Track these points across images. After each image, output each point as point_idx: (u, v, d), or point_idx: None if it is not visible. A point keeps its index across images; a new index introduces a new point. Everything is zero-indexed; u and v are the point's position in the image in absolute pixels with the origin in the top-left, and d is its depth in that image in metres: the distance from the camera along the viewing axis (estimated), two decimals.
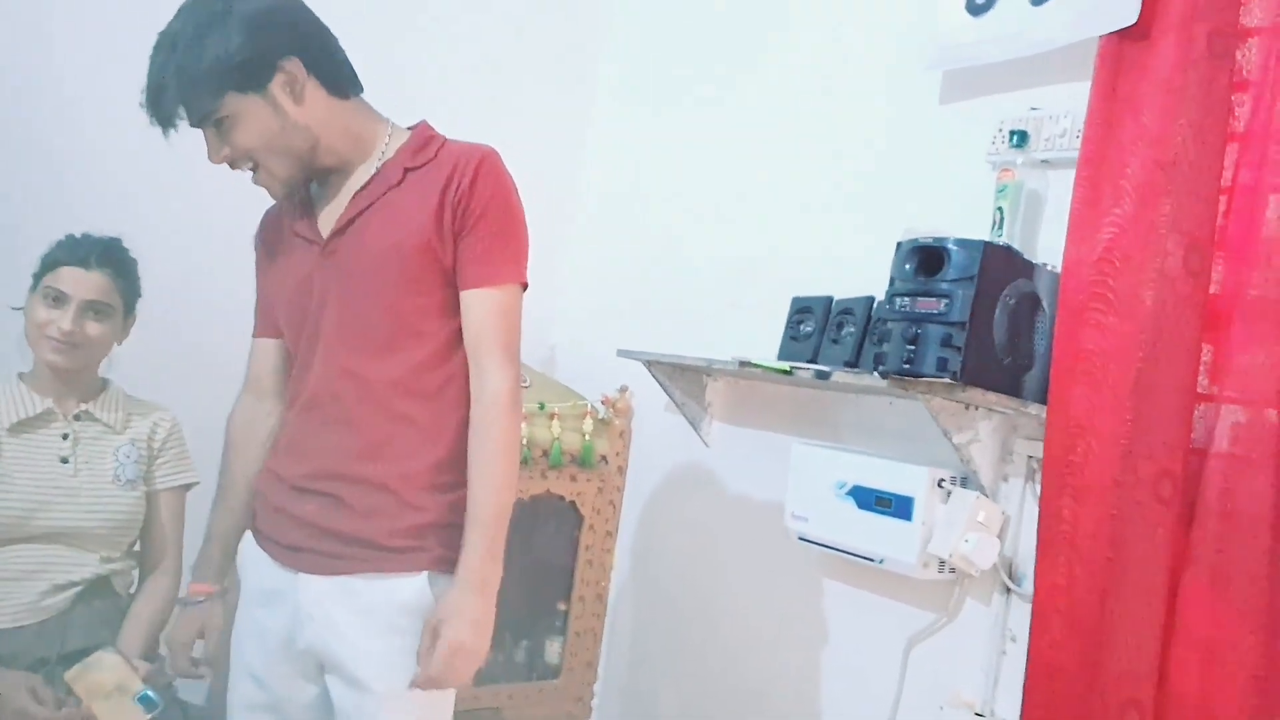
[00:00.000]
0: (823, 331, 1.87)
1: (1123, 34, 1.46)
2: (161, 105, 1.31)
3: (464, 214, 1.36)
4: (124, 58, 2.12)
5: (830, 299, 1.89)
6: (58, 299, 1.65)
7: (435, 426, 1.38)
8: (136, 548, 1.79)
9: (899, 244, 1.56)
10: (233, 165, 1.39)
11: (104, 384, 1.78)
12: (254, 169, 1.39)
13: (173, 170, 2.13)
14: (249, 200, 2.20)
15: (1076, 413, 1.43)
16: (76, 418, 1.72)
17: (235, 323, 2.20)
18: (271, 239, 1.52)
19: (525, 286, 1.41)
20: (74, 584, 1.66)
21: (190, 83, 1.29)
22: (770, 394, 2.12)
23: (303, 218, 1.46)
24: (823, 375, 1.69)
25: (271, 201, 1.51)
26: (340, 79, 1.41)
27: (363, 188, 1.41)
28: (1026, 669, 1.45)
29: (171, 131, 1.33)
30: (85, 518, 1.67)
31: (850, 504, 1.72)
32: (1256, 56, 1.37)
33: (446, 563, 1.36)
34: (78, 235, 1.71)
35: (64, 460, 1.68)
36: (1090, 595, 1.39)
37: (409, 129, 1.47)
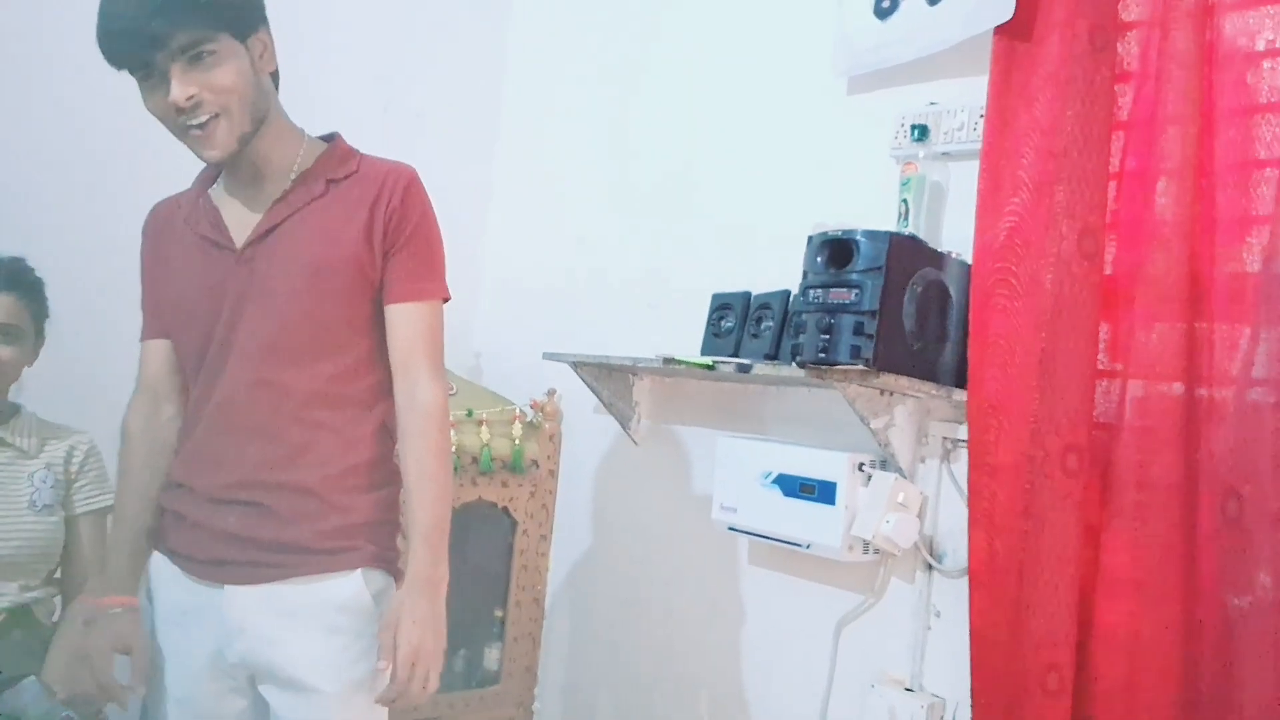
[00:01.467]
0: (743, 326, 1.91)
1: (1013, 32, 1.53)
2: (146, 29, 1.22)
3: (395, 231, 1.37)
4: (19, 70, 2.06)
5: (749, 294, 1.93)
6: None
7: (355, 433, 1.39)
8: (58, 575, 1.74)
9: (810, 238, 1.60)
10: (182, 113, 1.27)
11: (15, 408, 1.73)
12: (206, 121, 1.28)
13: (78, 184, 2.10)
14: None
15: (989, 393, 1.50)
16: None
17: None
18: (165, 239, 1.46)
19: (446, 298, 1.44)
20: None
21: (193, 6, 1.24)
22: (695, 390, 2.15)
23: (208, 221, 1.41)
24: (744, 368, 1.73)
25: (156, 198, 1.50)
26: (277, 69, 1.41)
27: (282, 197, 1.38)
28: (970, 641, 1.51)
29: (128, 71, 1.28)
30: (0, 546, 1.63)
31: (776, 492, 1.76)
32: (1136, 48, 1.45)
33: (380, 559, 1.38)
34: None
35: None
36: (1010, 566, 1.45)
37: (322, 139, 1.46)
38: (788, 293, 1.83)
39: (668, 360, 1.87)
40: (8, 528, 1.63)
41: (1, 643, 1.61)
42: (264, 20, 1.36)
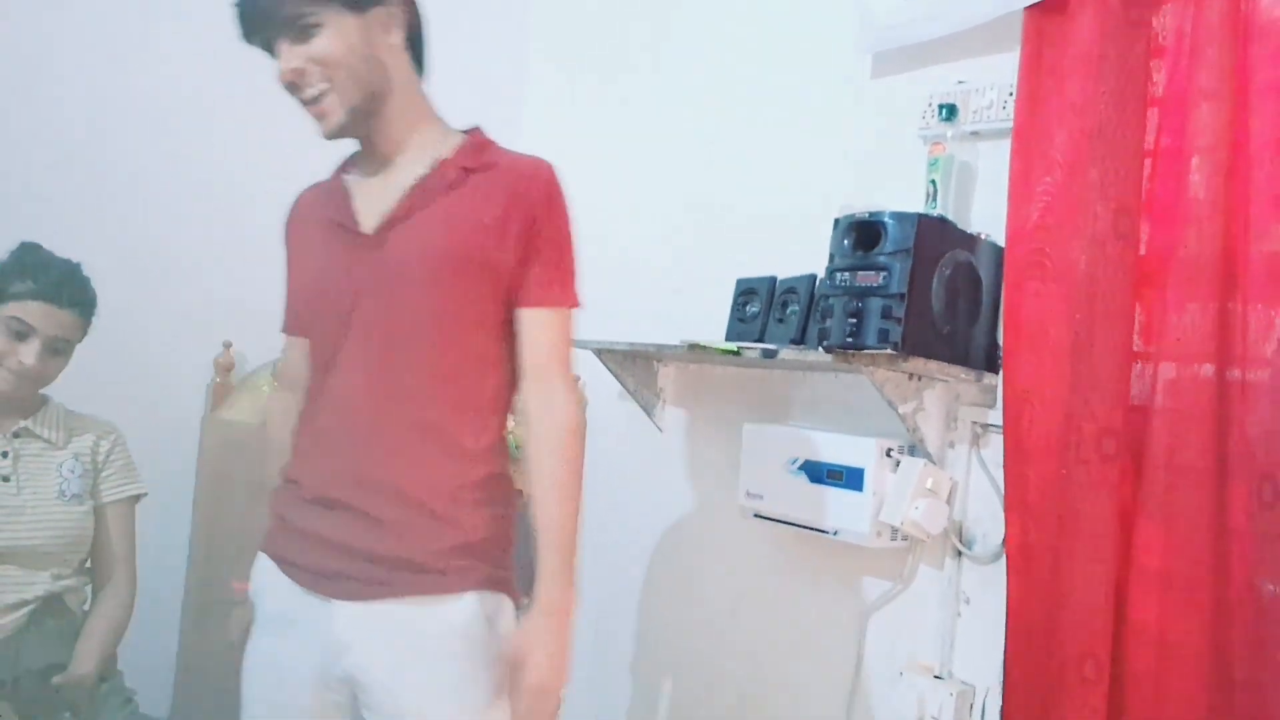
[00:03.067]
0: (768, 311, 1.90)
1: (1044, 8, 1.50)
2: (259, 3, 1.23)
3: (533, 231, 1.29)
4: (55, 69, 2.08)
5: (774, 279, 1.91)
6: (22, 333, 1.62)
7: (475, 443, 1.29)
8: (89, 564, 1.76)
9: (836, 220, 1.59)
10: (296, 88, 1.26)
11: (43, 400, 1.75)
12: (316, 95, 1.26)
13: (116, 181, 2.13)
14: (188, 215, 2.20)
15: (1022, 378, 1.48)
16: (16, 435, 1.69)
17: (175, 336, 2.20)
18: (301, 228, 1.41)
19: (579, 305, 1.36)
20: (26, 603, 1.62)
21: None
22: (720, 376, 2.14)
23: (336, 204, 1.34)
24: (770, 354, 1.71)
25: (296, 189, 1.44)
26: (420, 50, 1.35)
27: (415, 185, 1.30)
28: (1006, 628, 1.49)
29: (254, 43, 1.26)
30: (31, 535, 1.64)
31: (803, 479, 1.75)
32: (1171, 22, 1.42)
33: (496, 581, 1.29)
34: (37, 254, 1.67)
35: (5, 479, 1.65)
36: (1045, 553, 1.44)
37: (462, 131, 1.38)
38: (814, 276, 1.81)
39: (692, 346, 1.86)
40: (39, 517, 1.65)
41: (34, 631, 1.63)
42: None
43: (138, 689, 1.77)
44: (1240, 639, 1.29)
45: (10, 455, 1.67)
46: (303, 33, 1.23)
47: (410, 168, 1.32)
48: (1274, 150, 1.31)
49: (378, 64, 1.27)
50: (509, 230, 1.28)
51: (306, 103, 1.27)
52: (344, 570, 1.26)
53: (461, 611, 1.25)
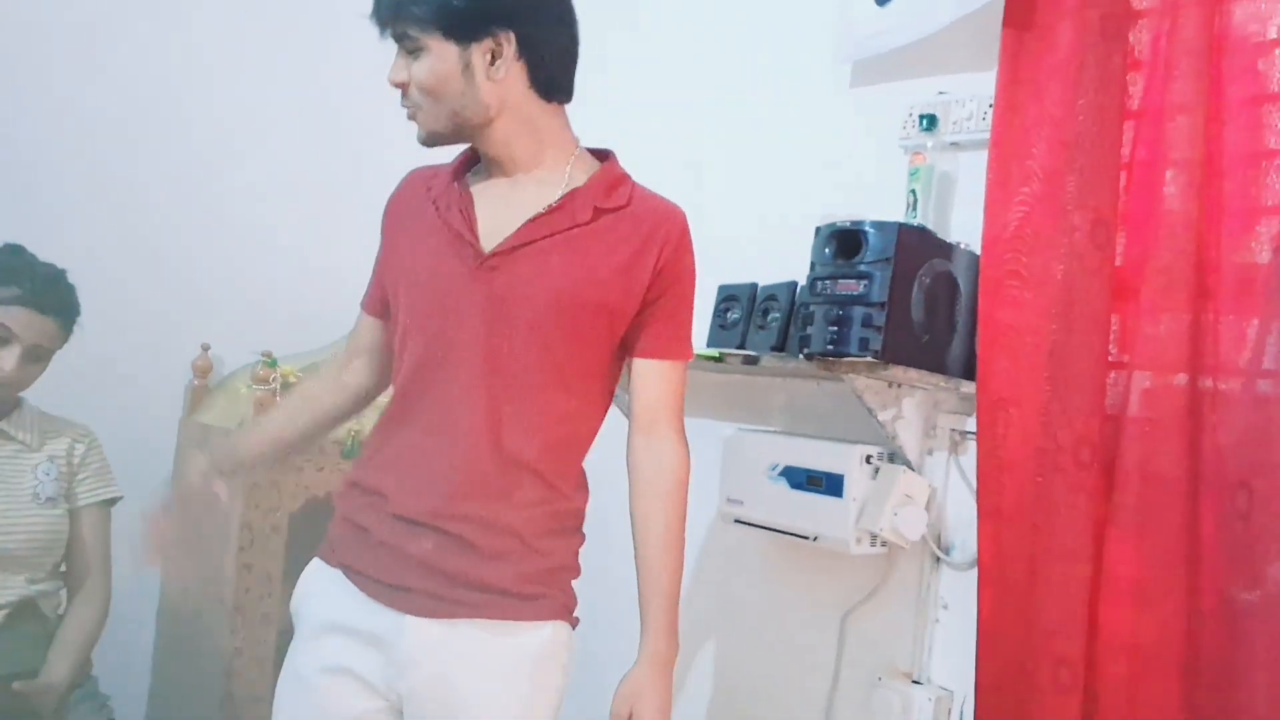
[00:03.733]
0: (749, 318, 1.90)
1: (1021, 20, 1.52)
2: (382, 9, 1.27)
3: (663, 282, 1.30)
4: (32, 72, 2.07)
5: (755, 286, 1.92)
6: (2, 338, 1.61)
7: (566, 477, 1.33)
8: (64, 569, 1.74)
9: (818, 229, 1.60)
10: (403, 93, 1.29)
11: (17, 402, 1.73)
12: (412, 111, 1.30)
13: (93, 183, 2.11)
14: (165, 216, 2.19)
15: (999, 386, 1.49)
16: None
17: (152, 338, 2.19)
18: (411, 212, 1.37)
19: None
20: (4, 605, 1.61)
21: (406, 3, 1.24)
22: (701, 382, 2.14)
23: (459, 209, 1.31)
24: (751, 360, 1.72)
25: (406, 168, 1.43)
26: (551, 77, 1.33)
27: (545, 213, 1.28)
28: (977, 635, 1.50)
29: (388, 35, 1.27)
30: (4, 539, 1.62)
31: (783, 485, 1.76)
32: (1147, 37, 1.44)
33: (568, 611, 1.33)
34: (20, 258, 1.65)
35: None
36: (1019, 561, 1.45)
37: (594, 153, 1.39)
38: (795, 284, 1.82)
39: None
40: (12, 521, 1.64)
41: (8, 635, 1.61)
42: (503, 24, 1.26)
43: (112, 694, 1.76)
44: (1212, 646, 1.30)
45: None
46: (411, 51, 1.25)
47: (538, 190, 1.30)
48: (1246, 163, 1.34)
49: (476, 100, 1.26)
50: (636, 278, 1.28)
51: (406, 108, 1.30)
52: (421, 585, 1.24)
53: (538, 639, 1.27)
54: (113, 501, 1.79)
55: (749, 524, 1.83)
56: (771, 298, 1.86)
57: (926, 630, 1.68)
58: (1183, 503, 1.33)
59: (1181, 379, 1.35)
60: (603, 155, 1.39)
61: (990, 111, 1.61)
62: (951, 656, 1.65)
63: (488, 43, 1.25)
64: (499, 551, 1.25)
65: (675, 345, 1.34)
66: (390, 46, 1.28)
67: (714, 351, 1.80)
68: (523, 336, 1.26)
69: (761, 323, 1.86)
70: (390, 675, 1.24)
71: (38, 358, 1.66)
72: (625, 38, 2.47)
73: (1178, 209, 1.36)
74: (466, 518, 1.25)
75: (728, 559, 2.04)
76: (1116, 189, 1.43)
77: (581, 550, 1.38)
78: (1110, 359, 1.43)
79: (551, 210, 1.28)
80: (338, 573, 1.30)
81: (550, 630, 1.28)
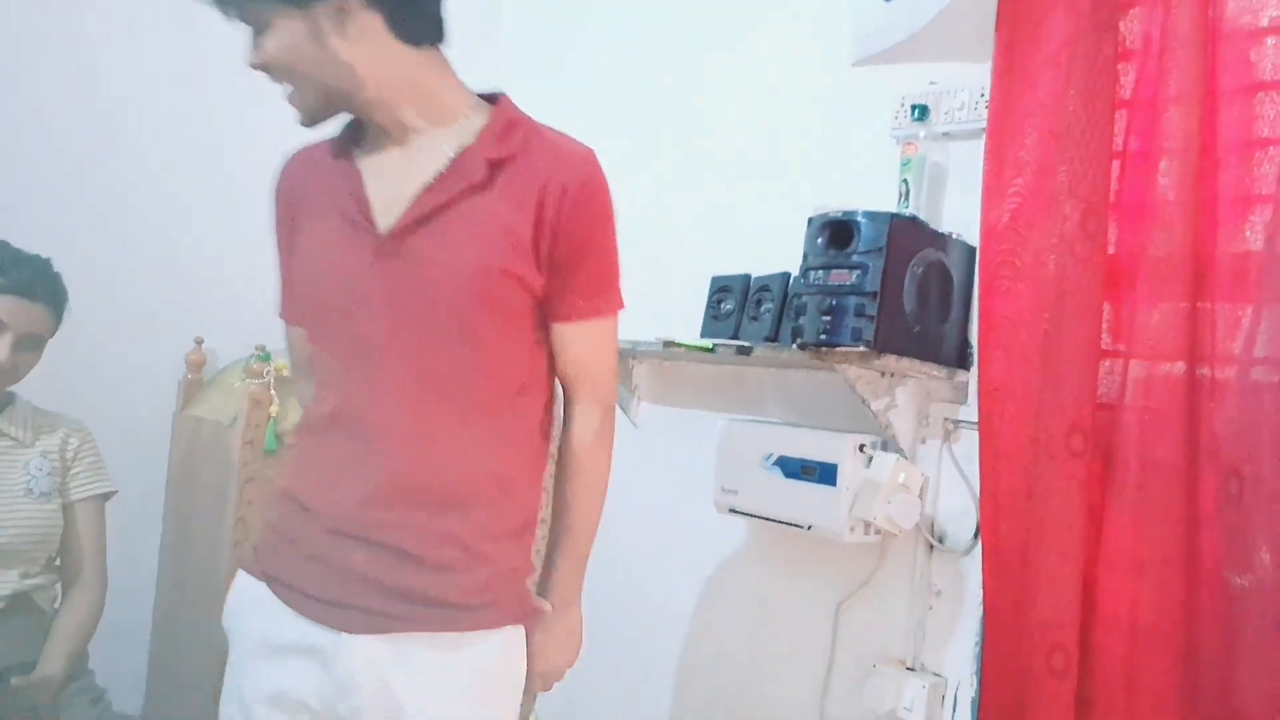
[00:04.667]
0: (742, 309, 1.91)
1: (1014, 10, 1.52)
2: None
3: (566, 240, 1.14)
4: (23, 67, 2.05)
5: (748, 277, 1.92)
6: None
7: (505, 471, 1.18)
8: (58, 563, 1.74)
9: (810, 219, 1.60)
10: (267, 73, 1.16)
11: (10, 398, 1.73)
12: (288, 93, 1.17)
13: (85, 176, 2.10)
14: (158, 210, 2.18)
15: (995, 375, 1.50)
16: None
17: (145, 332, 2.18)
18: (298, 204, 1.24)
19: (619, 311, 1.26)
20: None
21: None
22: (695, 373, 2.15)
23: (348, 192, 1.18)
24: (744, 351, 1.72)
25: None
26: (412, 20, 1.15)
27: (436, 181, 1.14)
28: (983, 622, 1.51)
29: (231, 12, 1.14)
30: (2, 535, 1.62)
31: (777, 474, 1.76)
32: (1138, 27, 1.44)
33: (520, 614, 1.21)
34: (5, 250, 1.64)
35: None
36: (1014, 548, 1.46)
37: (484, 98, 1.21)
38: (788, 275, 1.82)
39: (667, 343, 1.87)
40: (5, 515, 1.63)
41: (3, 630, 1.61)
42: None
43: (110, 687, 1.76)
44: (1210, 632, 1.31)
45: None
46: (258, 30, 1.13)
47: (431, 154, 1.16)
48: (1240, 152, 1.34)
49: (338, 66, 1.13)
50: (540, 242, 1.14)
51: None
52: (359, 602, 1.13)
53: (488, 650, 1.17)
54: (106, 496, 1.78)
55: (743, 514, 1.84)
56: (764, 288, 1.86)
57: (920, 618, 1.69)
58: (1177, 490, 1.34)
59: (1175, 367, 1.36)
60: (493, 99, 1.22)
61: (982, 101, 1.62)
62: (945, 643, 1.66)
63: (330, 6, 1.10)
64: (441, 562, 1.14)
65: (594, 304, 1.20)
66: None
67: (707, 342, 1.80)
68: (440, 324, 1.13)
69: (754, 313, 1.87)
70: (330, 696, 1.14)
71: (30, 346, 1.66)
72: (617, 27, 2.47)
73: (1172, 198, 1.37)
74: (400, 526, 1.13)
75: (722, 549, 2.05)
76: (1108, 178, 1.44)
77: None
78: (1104, 348, 1.44)
79: (444, 175, 1.15)
80: (264, 586, 1.19)
81: (501, 638, 1.17)
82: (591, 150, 1.20)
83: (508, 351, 1.18)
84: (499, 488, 1.18)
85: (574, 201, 1.14)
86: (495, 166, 1.14)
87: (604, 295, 1.22)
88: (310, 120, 1.19)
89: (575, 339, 1.21)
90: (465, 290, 1.13)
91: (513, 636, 1.20)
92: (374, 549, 1.13)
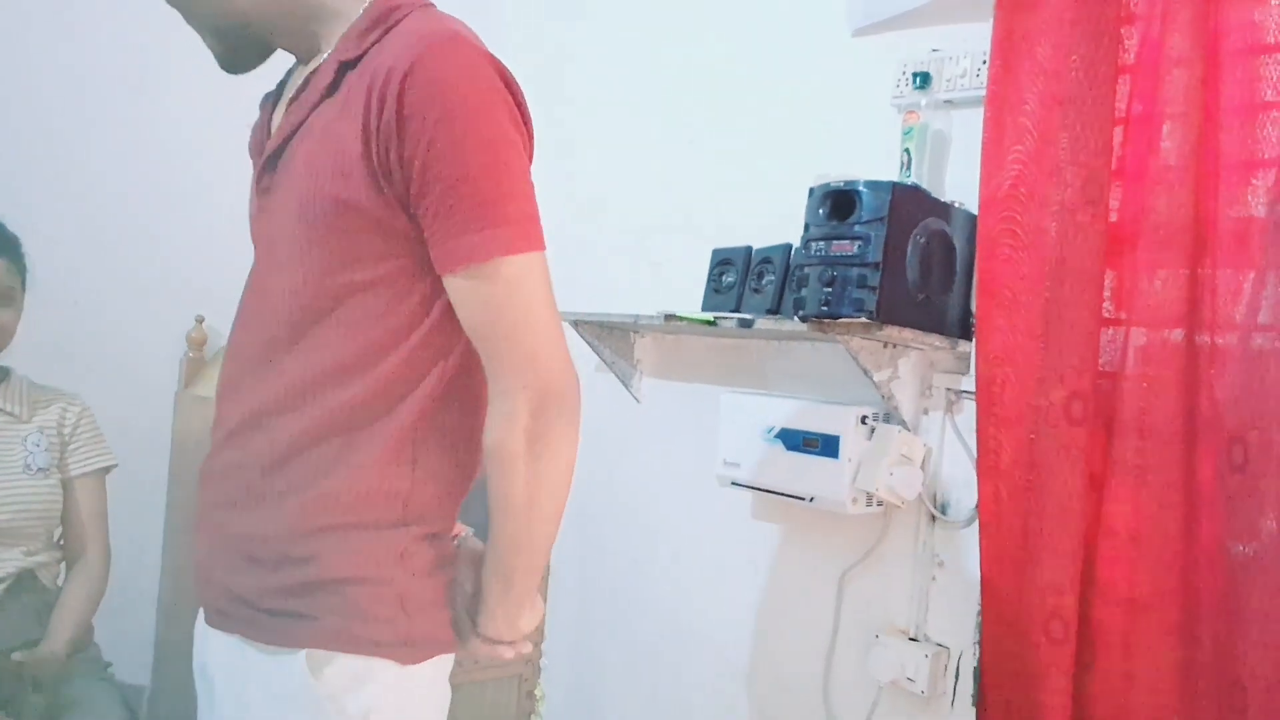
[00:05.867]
0: (744, 282, 1.90)
1: None
2: None
3: (400, 149, 0.88)
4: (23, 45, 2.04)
5: (749, 249, 1.92)
6: None
7: (343, 450, 0.95)
8: (61, 540, 1.75)
9: (811, 190, 1.59)
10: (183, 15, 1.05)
11: (5, 373, 1.72)
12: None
13: (84, 152, 2.09)
14: (158, 186, 2.17)
15: (995, 344, 1.49)
16: None
17: (146, 310, 2.18)
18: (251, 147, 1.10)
19: (538, 248, 0.92)
20: (4, 578, 1.62)
21: None
22: (697, 346, 2.14)
23: (260, 130, 1.07)
24: (746, 324, 1.72)
25: None
26: None
27: (294, 97, 0.98)
28: (980, 592, 1.51)
29: None
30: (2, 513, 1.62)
31: (779, 447, 1.76)
32: None
33: (343, 638, 0.93)
34: None
35: None
36: (1014, 516, 1.46)
37: None
38: (789, 246, 1.81)
39: (669, 317, 1.86)
40: (4, 492, 1.64)
41: (8, 607, 1.62)
42: None
43: (117, 659, 1.77)
44: (1209, 598, 1.31)
45: None
46: None
47: (315, 62, 1.00)
48: (1243, 116, 1.32)
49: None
50: (369, 147, 0.89)
51: None
52: (204, 594, 1.02)
53: (287, 672, 0.93)
54: (106, 470, 1.78)
55: (746, 486, 1.84)
56: (766, 260, 1.85)
57: (923, 588, 1.70)
58: (1179, 457, 1.34)
59: (1177, 334, 1.35)
60: None
61: (984, 68, 1.60)
62: (948, 613, 1.66)
63: None
64: (252, 553, 0.96)
65: (461, 243, 0.89)
66: None
67: (709, 316, 1.79)
68: (284, 273, 0.95)
69: (756, 285, 1.86)
70: (207, 696, 1.04)
71: (2, 301, 1.64)
72: (623, 3, 2.44)
73: (1174, 163, 1.35)
74: (223, 509, 1.00)
75: (725, 520, 2.05)
76: (1110, 144, 1.42)
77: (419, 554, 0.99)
78: (1106, 315, 1.43)
79: (300, 90, 0.98)
80: None
81: (304, 661, 0.92)
82: (445, 27, 0.91)
83: (358, 303, 0.94)
84: (328, 470, 0.94)
85: (401, 95, 0.86)
86: (347, 68, 0.94)
87: (479, 227, 0.88)
88: (227, 65, 1.05)
89: (459, 295, 0.92)
90: (296, 227, 0.93)
91: (339, 670, 0.93)
92: (207, 529, 1.02)
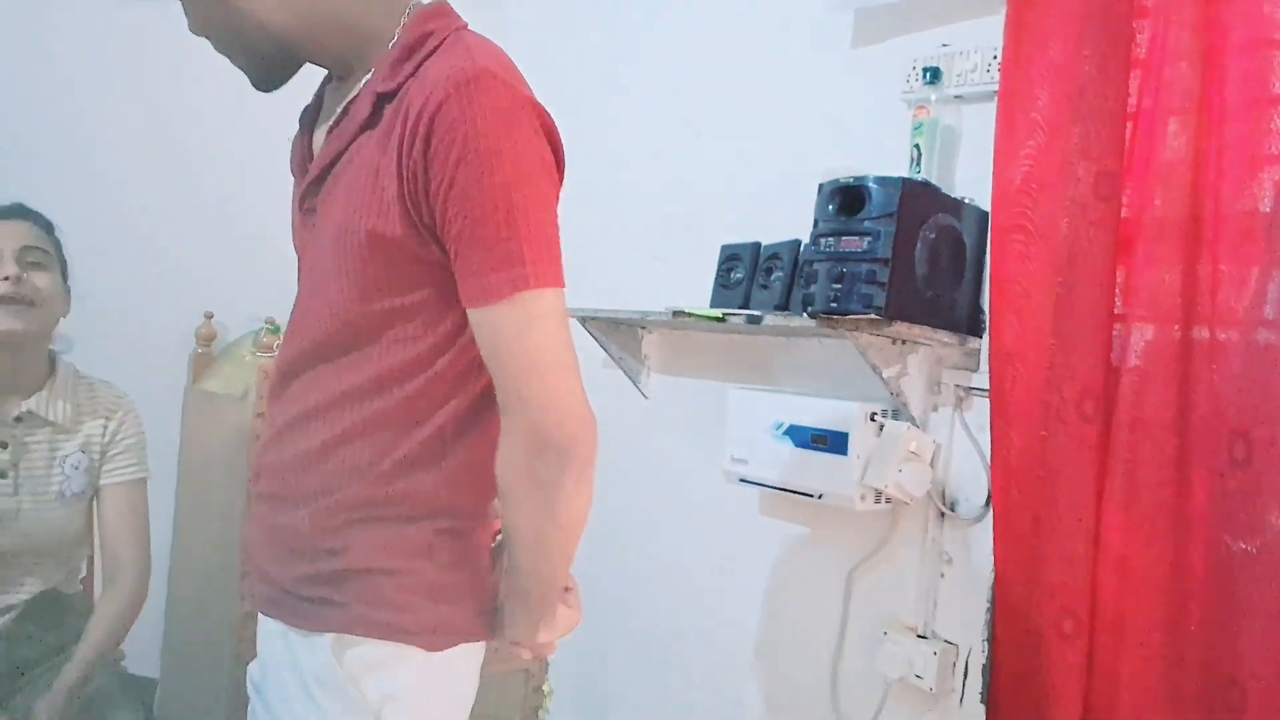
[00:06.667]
0: (752, 278, 1.90)
1: None
2: None
3: (428, 197, 0.91)
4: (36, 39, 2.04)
5: (758, 245, 1.91)
6: None
7: (371, 453, 1.00)
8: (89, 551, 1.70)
9: (821, 185, 1.58)
10: (213, 45, 1.06)
11: (49, 370, 1.60)
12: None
13: (95, 148, 2.10)
14: (167, 182, 2.17)
15: (1007, 340, 1.49)
16: (18, 419, 1.54)
17: (155, 306, 2.18)
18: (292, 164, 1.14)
19: (557, 285, 0.94)
20: (16, 605, 1.55)
21: None
22: (705, 343, 2.14)
23: (298, 147, 1.10)
24: (754, 320, 1.72)
25: None
26: None
27: (335, 120, 1.01)
28: (993, 589, 1.51)
29: None
30: (26, 538, 1.54)
31: (787, 443, 1.76)
32: None
33: (366, 624, 0.98)
34: None
35: (2, 474, 1.52)
36: (1026, 513, 1.45)
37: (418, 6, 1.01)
38: (798, 242, 1.81)
39: (677, 313, 1.86)
40: (36, 518, 1.55)
41: (31, 623, 1.57)
42: None
43: (129, 653, 1.77)
44: (1209, 594, 1.30)
45: (10, 447, 1.53)
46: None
47: (352, 88, 1.02)
48: (1249, 109, 1.31)
49: (243, 19, 0.99)
50: (403, 180, 0.92)
51: None
52: (259, 581, 1.08)
53: (316, 655, 0.99)
54: (139, 482, 1.67)
55: (754, 483, 1.84)
56: (775, 256, 1.85)
57: (931, 585, 1.69)
58: (1183, 452, 1.33)
59: (1188, 330, 1.35)
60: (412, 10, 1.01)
61: (994, 63, 1.59)
62: (956, 610, 1.66)
63: None
64: (287, 541, 1.03)
65: (481, 284, 0.91)
66: None
67: (717, 312, 1.79)
68: (325, 297, 1.00)
69: (765, 282, 1.86)
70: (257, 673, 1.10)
71: (38, 264, 1.53)
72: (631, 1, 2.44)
73: (1180, 158, 1.35)
74: (268, 504, 1.06)
75: (732, 517, 2.05)
76: (1122, 139, 1.42)
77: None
78: (1116, 311, 1.43)
79: (339, 118, 1.01)
80: None
81: (331, 645, 0.98)
82: (479, 62, 0.91)
83: (390, 327, 0.98)
84: (356, 472, 1.00)
85: (429, 136, 0.89)
86: (382, 100, 0.96)
87: (494, 269, 0.91)
88: (261, 84, 1.06)
89: (477, 329, 0.95)
90: (334, 252, 0.98)
91: (355, 649, 0.98)
92: (253, 522, 1.10)
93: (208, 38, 1.04)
